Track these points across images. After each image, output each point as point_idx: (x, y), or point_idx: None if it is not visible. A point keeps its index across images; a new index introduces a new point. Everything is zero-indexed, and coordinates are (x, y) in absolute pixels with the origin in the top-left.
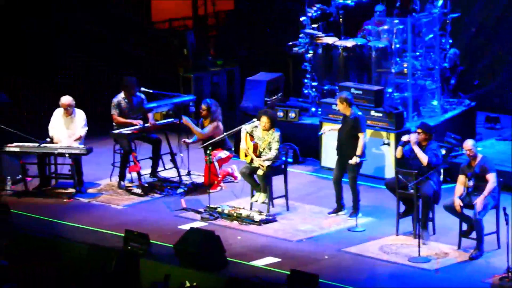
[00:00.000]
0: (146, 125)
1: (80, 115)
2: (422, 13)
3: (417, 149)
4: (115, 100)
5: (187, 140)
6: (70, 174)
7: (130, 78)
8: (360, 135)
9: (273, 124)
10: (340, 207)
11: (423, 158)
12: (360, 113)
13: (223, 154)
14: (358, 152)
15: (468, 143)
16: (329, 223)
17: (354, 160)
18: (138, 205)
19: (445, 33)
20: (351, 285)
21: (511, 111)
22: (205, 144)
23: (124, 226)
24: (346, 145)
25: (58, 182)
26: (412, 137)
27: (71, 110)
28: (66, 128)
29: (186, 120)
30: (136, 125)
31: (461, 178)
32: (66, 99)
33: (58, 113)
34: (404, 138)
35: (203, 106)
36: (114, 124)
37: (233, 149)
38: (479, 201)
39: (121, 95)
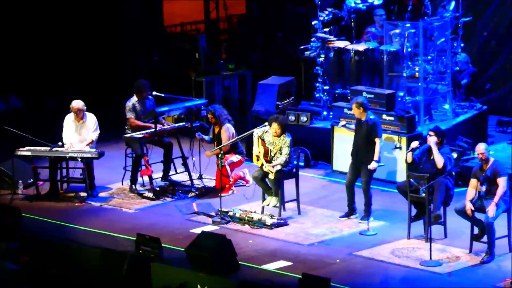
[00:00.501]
0: (159, 128)
1: (91, 119)
2: (433, 17)
3: (435, 150)
4: (129, 104)
5: (204, 137)
6: (82, 178)
7: (143, 81)
8: (377, 140)
9: (284, 130)
10: (352, 211)
11: (440, 160)
12: (372, 116)
13: (235, 158)
14: (376, 157)
15: (481, 147)
16: (340, 227)
17: (372, 166)
18: (150, 209)
19: (457, 37)
20: None
21: None
22: (216, 148)
23: (136, 230)
24: (362, 149)
25: (69, 186)
26: (431, 140)
27: (82, 114)
28: (78, 133)
29: (208, 153)
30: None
31: (473, 181)
32: (77, 103)
33: (69, 119)
34: (413, 144)
35: (209, 115)
36: (126, 127)
37: (244, 153)
38: (490, 209)
39: (134, 98)
